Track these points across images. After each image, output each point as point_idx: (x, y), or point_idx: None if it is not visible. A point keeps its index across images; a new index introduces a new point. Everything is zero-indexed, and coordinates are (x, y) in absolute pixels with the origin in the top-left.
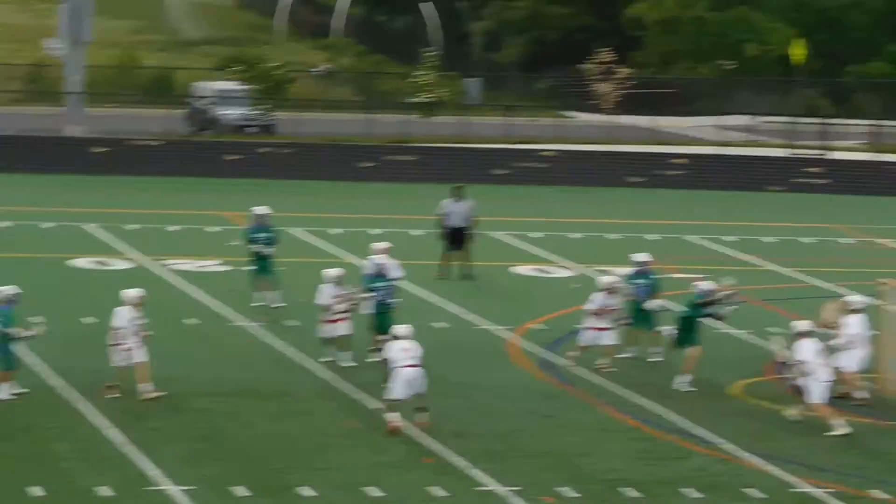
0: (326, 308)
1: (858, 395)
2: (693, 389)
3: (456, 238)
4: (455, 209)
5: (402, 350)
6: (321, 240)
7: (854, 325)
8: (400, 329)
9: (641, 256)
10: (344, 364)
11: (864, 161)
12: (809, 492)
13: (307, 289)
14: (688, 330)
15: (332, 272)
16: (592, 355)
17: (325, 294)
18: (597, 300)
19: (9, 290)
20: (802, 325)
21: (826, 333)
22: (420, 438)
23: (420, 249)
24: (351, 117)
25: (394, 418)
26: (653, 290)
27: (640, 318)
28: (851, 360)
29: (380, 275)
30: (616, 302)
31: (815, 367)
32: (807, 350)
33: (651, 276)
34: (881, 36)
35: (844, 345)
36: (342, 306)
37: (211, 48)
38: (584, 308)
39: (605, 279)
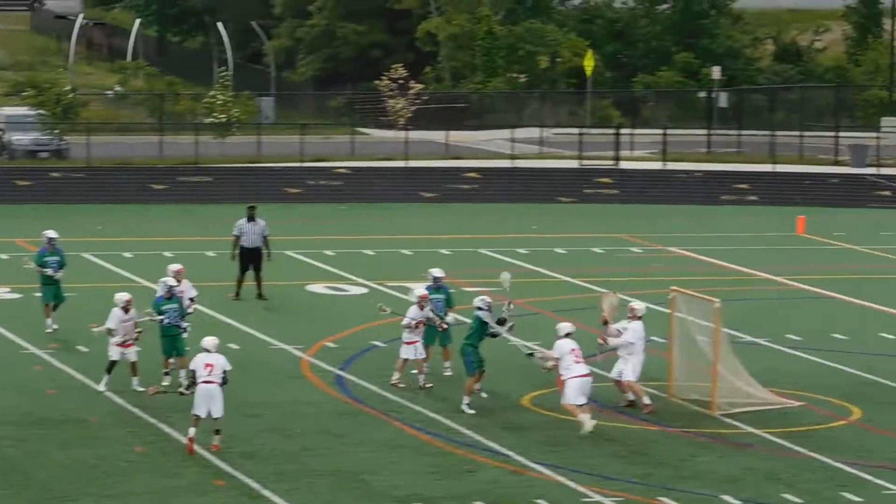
0: (114, 332)
1: (646, 402)
2: (483, 405)
3: (250, 258)
4: (249, 229)
5: (204, 365)
6: (113, 264)
7: (635, 332)
8: (206, 341)
9: (436, 272)
10: (136, 389)
11: (652, 170)
12: (598, 500)
13: (99, 314)
14: (472, 354)
15: (121, 296)
16: (383, 370)
17: (114, 318)
18: (410, 313)
19: None
20: (564, 326)
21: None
22: (212, 461)
23: (215, 271)
24: (144, 139)
25: (190, 434)
26: (447, 305)
27: (434, 333)
28: (630, 369)
29: (170, 297)
30: (427, 314)
31: (566, 365)
32: (559, 349)
33: (446, 291)
34: (671, 45)
35: (625, 349)
36: (130, 331)
37: (2, 73)
38: (402, 322)
39: (416, 291)
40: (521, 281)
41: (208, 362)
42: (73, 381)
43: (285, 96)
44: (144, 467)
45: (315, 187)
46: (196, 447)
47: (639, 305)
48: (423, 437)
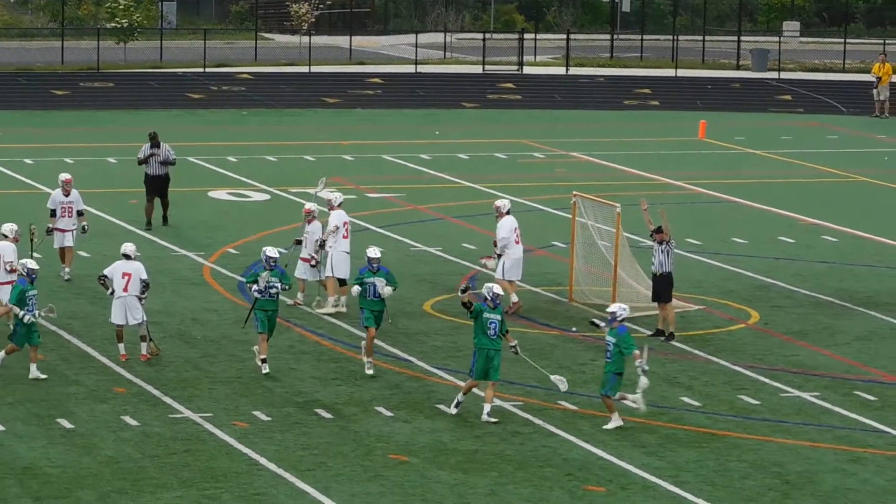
0: None
1: (513, 300)
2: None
3: (156, 186)
4: (153, 155)
5: (122, 274)
6: (13, 171)
7: (504, 229)
8: (126, 247)
9: (372, 252)
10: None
11: (555, 75)
12: (498, 405)
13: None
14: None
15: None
16: None
17: None
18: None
19: None
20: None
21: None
22: (112, 367)
23: (117, 177)
24: (45, 45)
25: (121, 350)
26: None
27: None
28: (504, 267)
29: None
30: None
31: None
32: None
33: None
34: None
35: (499, 249)
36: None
37: None
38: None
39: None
40: (424, 187)
41: (126, 271)
42: None
43: (188, 1)
44: (44, 374)
45: (218, 93)
46: (96, 353)
47: (503, 203)
48: (324, 343)
